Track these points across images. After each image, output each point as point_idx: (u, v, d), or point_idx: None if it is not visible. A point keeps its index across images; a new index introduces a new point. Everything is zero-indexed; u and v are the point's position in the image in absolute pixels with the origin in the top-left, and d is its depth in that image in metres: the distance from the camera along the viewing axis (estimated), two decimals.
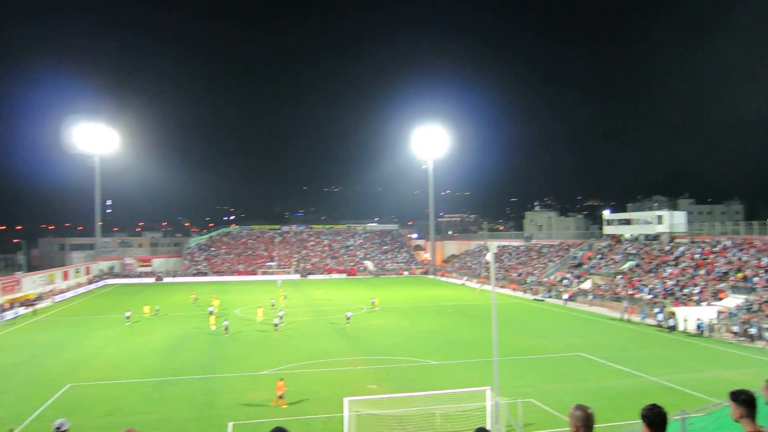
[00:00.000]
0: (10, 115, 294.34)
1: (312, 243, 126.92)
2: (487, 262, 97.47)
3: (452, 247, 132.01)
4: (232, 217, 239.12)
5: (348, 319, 52.27)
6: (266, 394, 29.67)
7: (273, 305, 62.55)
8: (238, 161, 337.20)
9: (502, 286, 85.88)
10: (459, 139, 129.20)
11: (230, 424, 25.24)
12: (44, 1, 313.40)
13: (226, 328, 47.39)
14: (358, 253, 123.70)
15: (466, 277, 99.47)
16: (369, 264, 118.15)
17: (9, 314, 57.62)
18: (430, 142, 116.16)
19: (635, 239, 77.51)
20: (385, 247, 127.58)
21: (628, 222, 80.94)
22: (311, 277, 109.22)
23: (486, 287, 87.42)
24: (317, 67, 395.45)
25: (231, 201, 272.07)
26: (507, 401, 23.86)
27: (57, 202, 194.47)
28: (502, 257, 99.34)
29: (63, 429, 8.32)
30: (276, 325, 48.59)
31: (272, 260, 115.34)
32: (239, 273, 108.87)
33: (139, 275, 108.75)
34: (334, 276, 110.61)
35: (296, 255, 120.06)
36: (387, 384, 31.54)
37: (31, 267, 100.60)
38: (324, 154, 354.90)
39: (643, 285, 62.19)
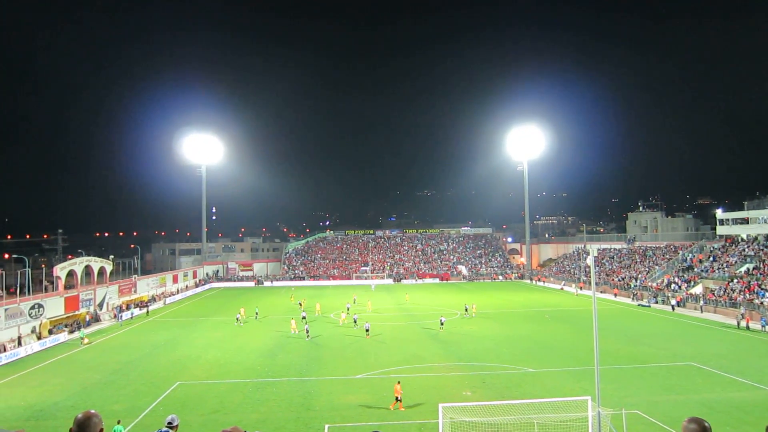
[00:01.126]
0: (129, 131, 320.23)
1: (405, 247, 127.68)
2: (587, 266, 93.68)
3: (549, 250, 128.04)
4: (327, 223, 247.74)
5: (442, 324, 51.95)
6: (361, 398, 30.05)
7: (348, 309, 63.52)
8: (333, 168, 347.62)
9: (602, 291, 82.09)
10: (555, 139, 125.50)
11: (326, 426, 25.75)
12: (151, 19, 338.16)
13: (308, 332, 48.97)
14: (451, 257, 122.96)
15: (564, 282, 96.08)
16: (462, 268, 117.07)
17: (126, 315, 62.28)
18: (525, 142, 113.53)
19: (754, 240, 71.53)
20: (479, 251, 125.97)
21: (745, 221, 74.92)
22: (404, 281, 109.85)
23: (585, 292, 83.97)
24: (411, 68, 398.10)
25: (326, 207, 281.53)
26: (610, 412, 22.70)
27: (168, 210, 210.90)
28: (603, 260, 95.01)
29: (174, 424, 9.12)
30: (367, 330, 49.05)
31: (366, 265, 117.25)
32: (334, 278, 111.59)
33: (241, 279, 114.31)
34: (427, 281, 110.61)
35: (389, 260, 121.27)
36: (482, 391, 30.97)
37: (145, 271, 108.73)
38: (416, 157, 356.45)
39: (763, 289, 57.20)
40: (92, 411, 4.36)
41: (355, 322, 53.47)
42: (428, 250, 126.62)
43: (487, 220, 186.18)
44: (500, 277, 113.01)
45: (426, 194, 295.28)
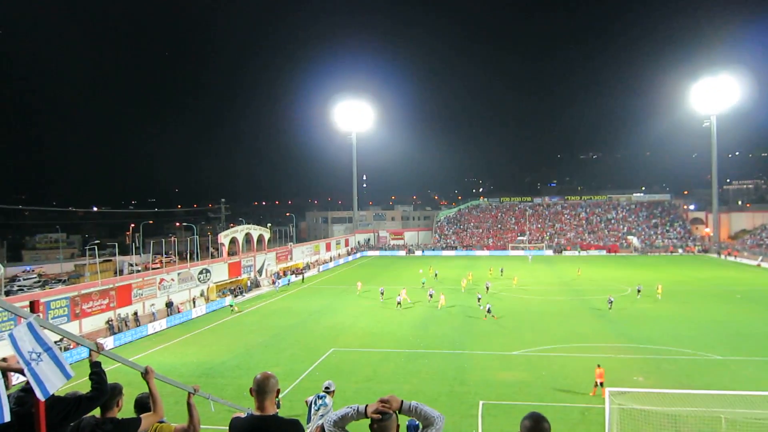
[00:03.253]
0: (287, 102, 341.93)
1: (566, 216, 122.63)
2: None
3: (743, 220, 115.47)
4: (480, 189, 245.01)
5: (611, 304, 48.46)
6: (518, 375, 29.75)
7: (423, 284, 61.99)
8: (486, 131, 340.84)
9: None
10: (754, 89, 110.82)
11: (481, 402, 25.87)
12: None
13: (436, 275, 58.03)
14: (620, 227, 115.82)
15: (761, 257, 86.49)
16: (634, 240, 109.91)
17: (283, 281, 67.19)
18: (714, 94, 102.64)
19: None
20: (654, 221, 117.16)
21: None
22: (566, 253, 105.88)
23: None
24: (573, 17, 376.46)
25: (480, 172, 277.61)
26: None
27: (321, 178, 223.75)
28: None
29: (331, 389, 10.11)
30: (489, 311, 45.64)
31: (523, 234, 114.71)
32: (488, 247, 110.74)
33: (392, 247, 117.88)
34: (592, 252, 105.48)
35: (549, 229, 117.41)
36: (656, 377, 29.14)
37: (300, 239, 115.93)
38: (581, 117, 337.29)
39: None
40: (269, 372, 4.74)
41: (479, 300, 50.54)
42: (593, 219, 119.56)
43: (664, 186, 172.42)
44: (680, 250, 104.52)
45: (591, 157, 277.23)
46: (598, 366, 27.77)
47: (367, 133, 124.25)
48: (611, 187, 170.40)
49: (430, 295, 51.94)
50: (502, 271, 73.32)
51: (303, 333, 40.91)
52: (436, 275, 71.70)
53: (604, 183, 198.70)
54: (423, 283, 61.85)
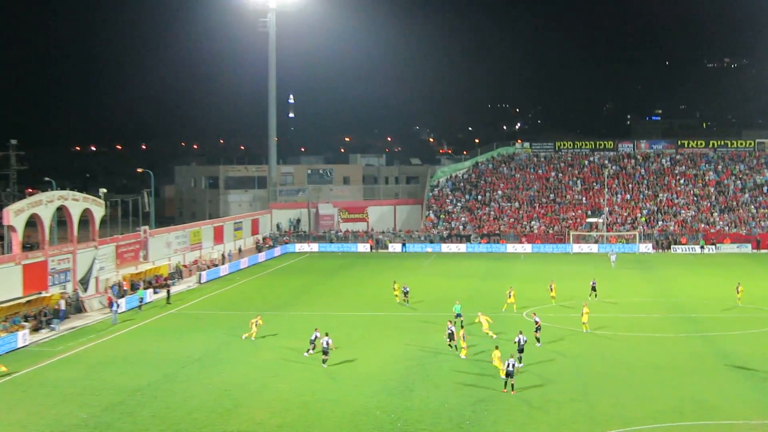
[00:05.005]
0: None
1: (678, 177, 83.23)
2: None
3: None
4: (517, 126, 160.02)
5: None
6: None
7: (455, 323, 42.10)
8: (527, 12, 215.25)
9: None
10: None
11: None
12: None
13: (406, 294, 44.13)
14: None
15: None
16: None
17: (129, 301, 44.68)
18: None
19: None
20: None
21: None
22: (676, 249, 71.50)
23: None
24: None
25: (513, 94, 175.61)
26: None
27: (208, 104, 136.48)
28: None
29: None
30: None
31: (597, 212, 76.35)
32: (531, 237, 75.27)
33: (345, 237, 77.43)
34: (726, 248, 71.32)
35: (646, 202, 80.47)
36: None
37: (162, 218, 76.76)
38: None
39: None
40: None
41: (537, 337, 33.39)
42: (729, 185, 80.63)
43: None
44: None
45: (728, 66, 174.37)
46: None
47: (297, 14, 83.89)
48: (763, 123, 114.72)
49: (452, 336, 32.92)
50: (551, 288, 45.25)
51: (165, 404, 25.91)
52: (405, 294, 46.24)
53: (749, 116, 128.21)
54: (456, 322, 35.67)
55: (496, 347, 28.65)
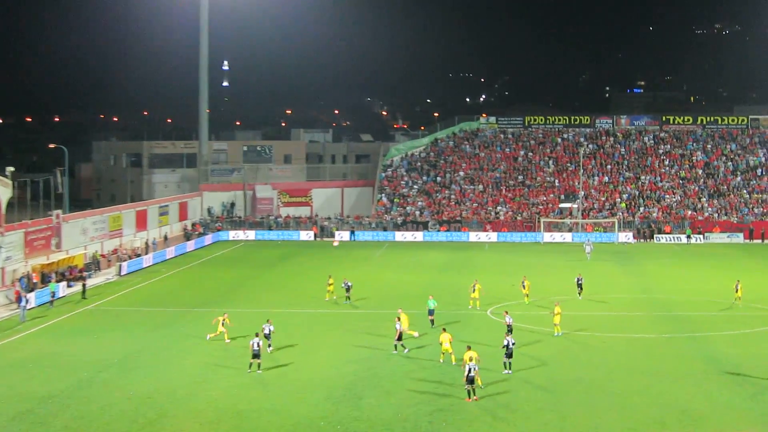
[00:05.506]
0: None
1: (663, 157, 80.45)
2: None
3: None
4: (481, 99, 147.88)
5: None
6: None
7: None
8: None
9: None
10: None
11: None
12: None
13: (348, 290, 40.86)
14: None
15: None
16: None
17: (39, 296, 44.38)
18: None
19: None
20: None
21: None
22: (659, 238, 69.01)
23: None
24: None
25: (479, 61, 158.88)
26: None
27: (131, 69, 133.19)
28: None
29: None
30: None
31: (570, 196, 75.18)
32: (497, 224, 72.65)
33: (285, 223, 77.65)
34: (716, 237, 69.38)
35: (627, 185, 78.04)
36: None
37: (78, 201, 78.72)
38: None
39: None
40: None
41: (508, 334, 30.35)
42: (718, 166, 78.06)
43: None
44: None
45: (713, 33, 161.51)
46: None
47: None
48: (756, 98, 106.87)
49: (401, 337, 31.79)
50: (524, 285, 42.95)
51: (80, 414, 25.70)
52: (348, 290, 42.81)
53: (740, 90, 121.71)
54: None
55: (444, 329, 28.95)
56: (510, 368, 27.68)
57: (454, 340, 30.00)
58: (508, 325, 31.55)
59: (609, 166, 78.54)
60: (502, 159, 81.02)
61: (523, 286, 41.35)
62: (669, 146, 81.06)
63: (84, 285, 47.00)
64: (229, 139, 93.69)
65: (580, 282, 42.67)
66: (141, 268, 56.47)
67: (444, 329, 29.13)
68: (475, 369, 24.64)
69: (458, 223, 71.30)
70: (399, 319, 31.32)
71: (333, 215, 76.74)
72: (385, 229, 72.03)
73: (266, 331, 30.99)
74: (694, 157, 79.11)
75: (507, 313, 32.93)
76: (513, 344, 27.96)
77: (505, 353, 27.57)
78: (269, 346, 30.97)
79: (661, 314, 41.04)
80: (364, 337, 34.88)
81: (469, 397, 24.77)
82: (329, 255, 61.99)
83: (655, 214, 71.46)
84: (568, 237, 68.84)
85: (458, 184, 77.61)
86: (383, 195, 76.94)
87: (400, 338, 30.94)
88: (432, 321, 34.83)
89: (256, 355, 28.48)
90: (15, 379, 29.31)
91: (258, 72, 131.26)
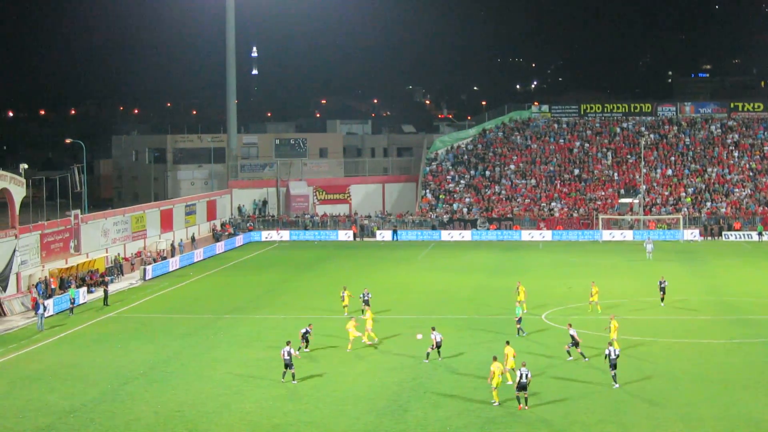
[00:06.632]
0: None
1: (731, 147, 78.30)
2: None
3: None
4: (532, 86, 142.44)
5: None
6: None
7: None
8: None
9: None
10: None
11: None
12: None
13: (366, 302, 37.71)
14: None
15: None
16: None
17: (57, 303, 44.37)
18: None
19: None
20: None
21: None
22: (728, 235, 66.84)
23: None
24: None
25: (529, 47, 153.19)
26: None
27: (152, 60, 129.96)
28: None
29: None
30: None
31: (631, 191, 72.95)
32: (551, 221, 71.36)
33: (321, 222, 78.63)
34: None
35: (692, 177, 76.09)
36: None
37: (98, 200, 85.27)
38: None
39: None
40: None
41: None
42: None
43: None
44: None
45: None
46: None
47: None
48: None
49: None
50: (592, 293, 42.26)
51: (104, 429, 25.39)
52: (366, 302, 40.14)
53: None
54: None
55: (508, 342, 27.70)
56: (616, 381, 26.24)
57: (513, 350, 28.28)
58: (573, 337, 29.86)
59: (672, 158, 75.58)
60: (556, 151, 78.73)
61: (591, 294, 39.43)
62: (738, 135, 77.84)
63: (106, 290, 46.73)
64: (259, 132, 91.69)
65: (663, 286, 40.36)
66: (167, 272, 56.16)
67: (507, 342, 27.21)
68: (527, 375, 23.92)
69: (509, 221, 69.73)
70: (434, 328, 30.34)
71: (373, 213, 75.50)
72: (433, 228, 70.27)
73: (303, 331, 30.77)
74: (765, 147, 75.94)
75: (571, 325, 30.85)
76: (617, 354, 26.25)
77: (609, 365, 26.05)
78: (306, 347, 30.68)
79: (730, 318, 40.37)
80: (409, 344, 33.50)
81: (521, 405, 24.17)
82: (370, 256, 61.44)
83: (723, 210, 68.99)
84: (628, 235, 66.18)
85: (509, 178, 75.72)
86: (427, 191, 75.44)
87: (437, 347, 30.00)
88: (519, 330, 33.64)
89: (288, 365, 27.90)
90: (33, 392, 28.78)
91: (290, 59, 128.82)
